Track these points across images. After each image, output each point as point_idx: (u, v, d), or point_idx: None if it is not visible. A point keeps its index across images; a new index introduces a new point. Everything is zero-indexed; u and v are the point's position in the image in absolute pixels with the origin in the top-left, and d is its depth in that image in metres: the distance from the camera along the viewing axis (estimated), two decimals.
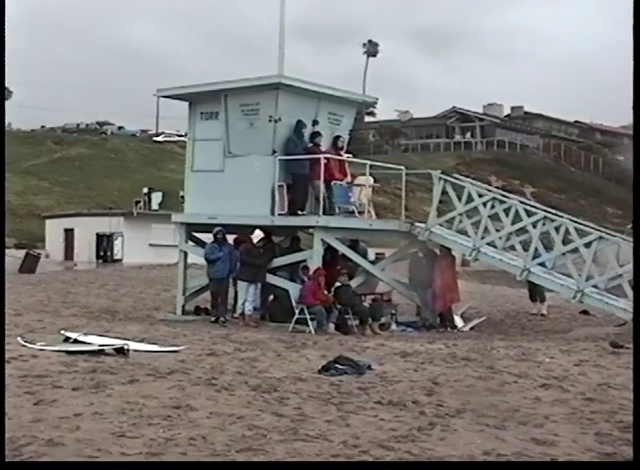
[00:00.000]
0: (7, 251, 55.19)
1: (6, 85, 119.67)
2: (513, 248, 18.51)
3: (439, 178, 19.23)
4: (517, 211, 18.23)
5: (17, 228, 60.94)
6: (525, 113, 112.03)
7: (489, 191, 19.55)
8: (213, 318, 18.66)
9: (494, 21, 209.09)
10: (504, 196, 19.36)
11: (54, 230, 54.75)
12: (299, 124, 18.51)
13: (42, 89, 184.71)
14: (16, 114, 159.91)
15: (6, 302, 20.77)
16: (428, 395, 9.83)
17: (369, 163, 20.13)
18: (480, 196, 18.83)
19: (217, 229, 18.80)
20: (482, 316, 20.87)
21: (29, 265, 36.63)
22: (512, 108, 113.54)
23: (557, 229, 17.70)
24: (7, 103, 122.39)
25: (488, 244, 18.61)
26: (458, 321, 19.22)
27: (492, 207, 18.53)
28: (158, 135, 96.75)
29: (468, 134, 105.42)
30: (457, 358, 12.95)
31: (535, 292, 22.20)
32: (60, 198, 67.92)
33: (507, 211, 18.37)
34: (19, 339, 13.19)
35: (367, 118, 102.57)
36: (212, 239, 18.92)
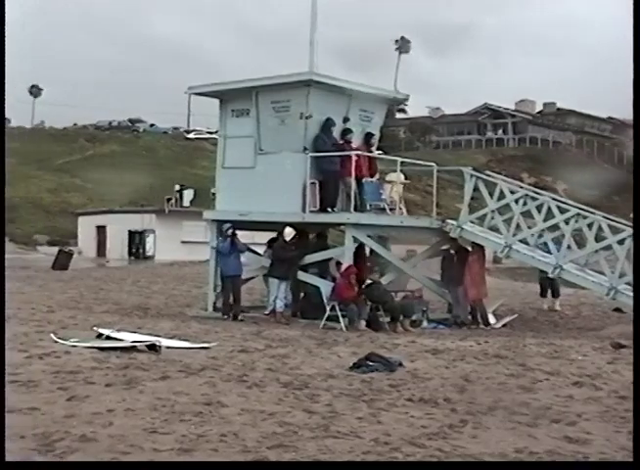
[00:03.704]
0: (40, 247, 55.83)
1: (36, 83, 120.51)
2: (545, 246, 18.41)
3: (471, 175, 19.15)
4: (549, 208, 18.12)
5: (49, 225, 61.44)
6: (558, 109, 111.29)
7: (521, 188, 19.43)
8: (226, 316, 18.65)
9: (523, 16, 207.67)
10: (536, 193, 19.23)
11: (86, 227, 55.11)
12: (328, 122, 18.48)
13: (74, 87, 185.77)
14: (48, 112, 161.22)
15: (37, 298, 21.04)
16: (459, 392, 9.80)
17: (400, 159, 20.10)
18: (512, 193, 18.73)
19: (227, 226, 18.86)
20: (514, 314, 20.77)
21: (62, 262, 36.85)
22: (544, 104, 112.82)
23: (589, 226, 17.57)
24: (37, 101, 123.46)
25: (520, 241, 18.52)
26: (490, 318, 19.14)
27: (524, 203, 18.42)
28: (189, 132, 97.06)
29: (500, 131, 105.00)
30: (489, 356, 12.89)
31: (547, 287, 22.19)
32: (92, 195, 68.30)
33: (539, 208, 18.25)
34: (52, 335, 13.28)
35: (398, 115, 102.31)
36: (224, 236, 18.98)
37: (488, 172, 20.93)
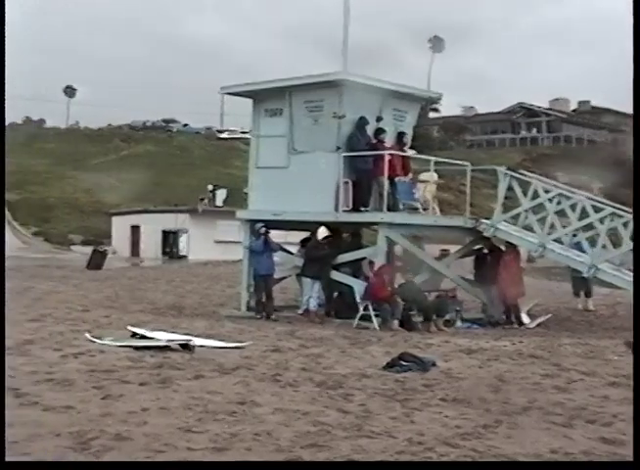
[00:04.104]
0: (74, 247, 56.23)
1: (71, 84, 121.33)
2: (579, 245, 18.30)
3: (505, 174, 19.07)
4: (584, 208, 18.00)
5: (84, 225, 61.88)
6: (593, 107, 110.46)
7: (555, 187, 19.31)
8: (259, 316, 18.67)
9: (558, 13, 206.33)
10: (571, 192, 19.11)
11: (120, 227, 55.43)
12: (362, 121, 18.46)
13: (109, 87, 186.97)
14: (83, 112, 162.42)
15: (72, 298, 21.18)
16: (493, 392, 9.75)
17: (433, 159, 20.04)
18: (547, 192, 18.62)
19: (260, 225, 18.91)
20: (548, 313, 20.65)
21: (97, 262, 37.09)
22: (579, 102, 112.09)
23: (625, 225, 17.42)
24: (72, 101, 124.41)
25: (554, 240, 18.41)
26: (524, 318, 19.04)
27: (558, 203, 18.32)
28: (221, 132, 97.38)
29: (534, 130, 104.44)
30: (523, 356, 12.82)
31: (579, 287, 22.06)
32: (126, 195, 68.68)
33: (573, 207, 18.14)
34: (86, 334, 13.37)
35: (431, 114, 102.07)
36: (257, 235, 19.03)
37: (522, 171, 20.80)
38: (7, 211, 62.37)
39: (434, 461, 6.80)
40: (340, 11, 19.13)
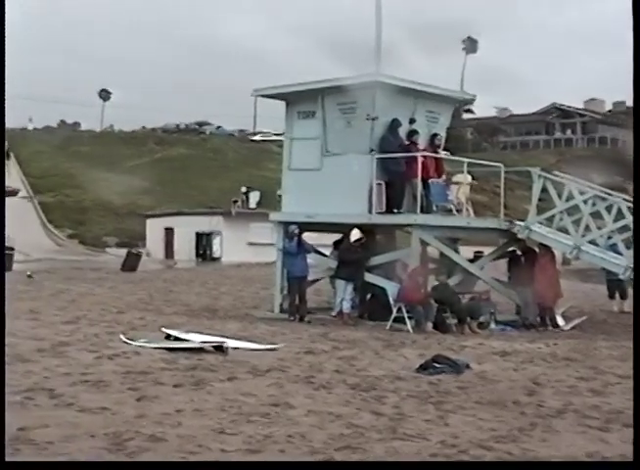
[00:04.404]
0: (109, 249, 56.57)
1: (105, 87, 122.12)
2: (614, 247, 18.16)
3: (539, 176, 18.96)
4: (619, 209, 17.85)
5: (118, 227, 62.22)
6: (628, 108, 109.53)
7: (590, 188, 19.18)
8: (292, 318, 18.68)
9: (591, 13, 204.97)
10: (606, 193, 18.96)
11: (155, 229, 55.69)
12: (394, 123, 18.43)
13: (143, 91, 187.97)
14: (117, 115, 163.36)
15: (107, 299, 21.32)
16: (528, 395, 9.70)
17: (467, 160, 19.97)
18: (581, 193, 18.50)
19: (293, 227, 18.93)
20: (584, 316, 20.51)
21: (131, 264, 37.30)
22: (614, 103, 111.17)
23: None
24: (107, 104, 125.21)
25: (590, 242, 18.28)
26: (559, 320, 18.92)
27: (593, 204, 18.18)
28: (254, 134, 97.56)
29: (568, 131, 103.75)
30: (558, 358, 12.75)
31: (615, 289, 21.88)
32: (160, 197, 68.98)
33: (609, 209, 18.00)
34: (121, 336, 13.44)
35: (465, 116, 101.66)
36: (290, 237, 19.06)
37: (557, 173, 20.68)
38: (42, 214, 62.90)
39: (434, 461, 6.79)
40: (373, 13, 19.13)
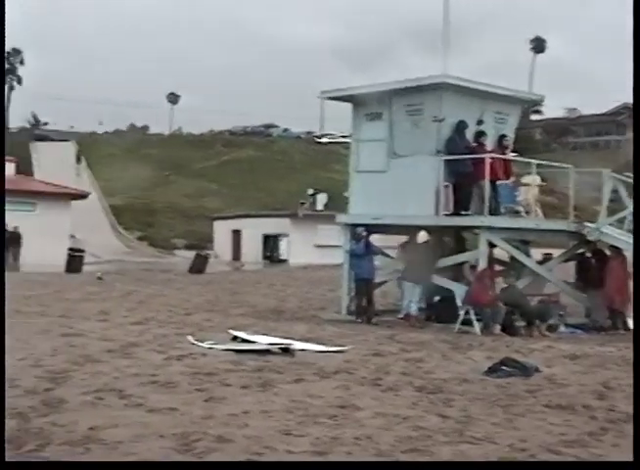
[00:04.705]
0: (177, 251, 57.16)
1: (173, 91, 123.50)
2: None
3: (610, 176, 18.70)
4: None
5: (187, 229, 62.83)
6: None
7: None
8: (359, 320, 18.65)
9: None
10: None
11: (222, 231, 56.11)
12: (461, 125, 18.33)
13: (210, 94, 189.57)
14: (185, 118, 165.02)
15: (175, 301, 21.52)
16: (599, 399, 9.56)
17: (535, 161, 19.78)
18: None
19: (361, 228, 18.92)
20: None
21: (199, 266, 37.60)
22: None
23: None
24: (175, 107, 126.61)
25: None
26: (630, 323, 18.62)
27: None
28: (321, 137, 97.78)
29: None
30: (630, 362, 12.54)
31: None
32: (228, 199, 69.50)
33: None
34: (189, 337, 13.55)
35: (533, 116, 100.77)
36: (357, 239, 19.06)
37: (628, 174, 20.37)
38: (112, 216, 63.75)
39: (435, 461, 6.73)
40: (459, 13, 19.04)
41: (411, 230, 18.85)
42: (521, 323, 17.48)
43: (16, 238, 38.52)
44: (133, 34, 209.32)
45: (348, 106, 20.17)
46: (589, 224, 18.80)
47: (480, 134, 18.61)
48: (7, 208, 38.83)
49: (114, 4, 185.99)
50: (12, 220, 38.40)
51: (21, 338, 13.06)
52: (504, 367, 11.14)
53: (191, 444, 7.00)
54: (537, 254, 21.46)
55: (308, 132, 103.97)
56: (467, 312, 17.15)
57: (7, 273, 32.77)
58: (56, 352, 11.83)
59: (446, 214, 18.18)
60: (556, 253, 21.15)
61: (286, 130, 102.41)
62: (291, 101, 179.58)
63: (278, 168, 78.99)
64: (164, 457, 6.60)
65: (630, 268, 17.96)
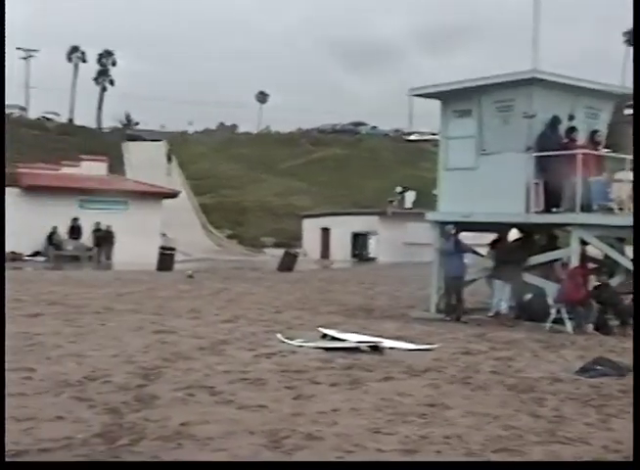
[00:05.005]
0: (266, 249, 57.54)
1: (263, 90, 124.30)
2: None
3: None
4: None
5: (276, 228, 63.13)
6: None
7: None
8: (449, 318, 18.53)
9: None
10: None
11: (311, 229, 56.24)
12: (555, 120, 18.06)
13: (299, 92, 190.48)
14: (273, 117, 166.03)
15: (264, 299, 21.65)
16: None
17: (629, 157, 19.40)
18: None
19: (450, 226, 18.81)
20: None
21: (287, 264, 37.73)
22: None
23: None
24: (264, 106, 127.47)
25: None
26: None
27: None
28: (410, 134, 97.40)
29: None
30: None
31: None
32: (317, 197, 69.65)
33: None
34: (278, 335, 13.63)
35: (627, 111, 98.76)
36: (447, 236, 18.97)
37: None
38: (202, 215, 64.45)
39: (435, 461, 6.63)
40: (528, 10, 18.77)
41: (501, 228, 18.66)
42: (614, 322, 17.17)
43: (109, 237, 39.27)
44: (223, 34, 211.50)
45: (437, 103, 20.06)
46: None
47: (571, 130, 18.31)
48: (100, 207, 40.03)
49: (204, 3, 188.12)
50: (105, 219, 39.23)
51: (114, 335, 13.31)
52: (597, 367, 10.96)
53: (280, 441, 7.04)
54: (630, 251, 21.04)
55: (397, 130, 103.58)
56: (559, 311, 16.92)
57: (100, 271, 33.62)
58: (148, 348, 12.02)
59: (537, 212, 17.95)
60: None
61: (374, 128, 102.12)
62: (380, 99, 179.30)
63: (366, 166, 78.84)
64: (254, 454, 6.65)
65: None
